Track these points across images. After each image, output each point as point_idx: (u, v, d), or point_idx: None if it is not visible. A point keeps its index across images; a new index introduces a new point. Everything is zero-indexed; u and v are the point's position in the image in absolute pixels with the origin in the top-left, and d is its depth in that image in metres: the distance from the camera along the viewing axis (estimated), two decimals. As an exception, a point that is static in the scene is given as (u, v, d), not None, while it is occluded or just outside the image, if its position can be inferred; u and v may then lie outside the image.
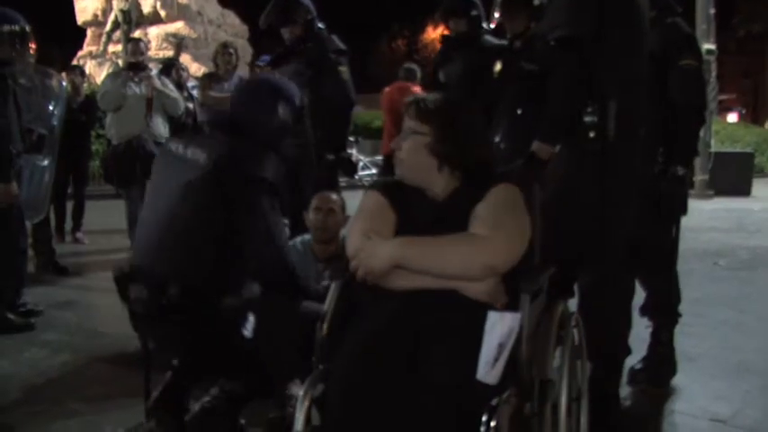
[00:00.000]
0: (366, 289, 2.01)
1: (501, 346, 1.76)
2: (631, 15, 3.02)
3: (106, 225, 8.00)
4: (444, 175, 2.16)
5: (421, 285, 1.95)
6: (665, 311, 3.52)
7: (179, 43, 11.75)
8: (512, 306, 1.93)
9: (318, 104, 4.36)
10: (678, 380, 3.41)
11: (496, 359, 1.75)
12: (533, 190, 2.36)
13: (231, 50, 6.66)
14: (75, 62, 18.09)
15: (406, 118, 2.19)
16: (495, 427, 1.65)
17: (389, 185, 2.26)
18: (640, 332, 3.55)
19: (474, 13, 4.49)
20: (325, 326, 2.01)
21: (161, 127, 6.34)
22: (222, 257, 2.55)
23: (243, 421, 2.85)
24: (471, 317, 1.86)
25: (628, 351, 3.20)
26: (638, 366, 3.46)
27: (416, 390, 1.75)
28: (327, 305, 2.05)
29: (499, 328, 1.79)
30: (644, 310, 3.60)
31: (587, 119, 2.88)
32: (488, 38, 4.47)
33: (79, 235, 7.74)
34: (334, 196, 3.54)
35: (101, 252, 7.16)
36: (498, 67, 3.83)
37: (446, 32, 4.77)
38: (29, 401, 3.27)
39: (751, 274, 5.58)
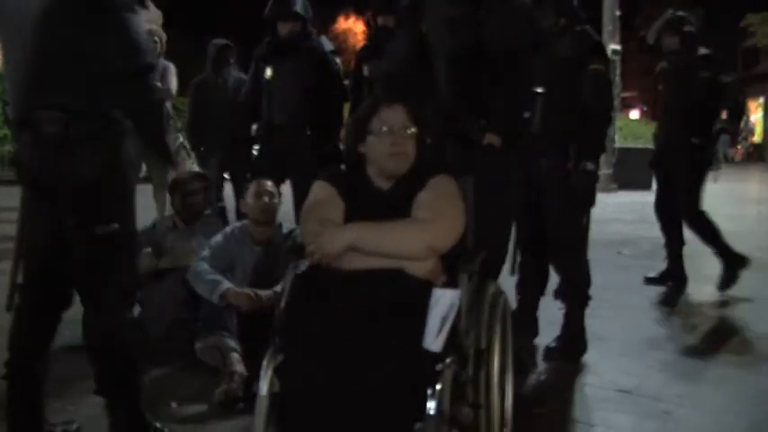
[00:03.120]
0: (322, 270, 2.18)
1: (444, 319, 1.99)
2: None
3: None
4: None
5: (372, 265, 2.15)
6: (576, 295, 3.81)
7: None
8: (451, 284, 2.16)
9: (316, 100, 4.53)
10: (589, 357, 3.72)
11: (440, 330, 1.97)
12: (466, 180, 2.59)
13: (156, 39, 6.64)
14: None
15: (396, 116, 2.38)
16: (440, 389, 1.88)
17: (337, 176, 2.47)
18: (554, 314, 3.86)
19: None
20: (282, 302, 2.17)
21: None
22: None
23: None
24: (416, 293, 2.07)
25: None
26: (553, 344, 3.75)
27: (371, 356, 1.95)
28: (284, 284, 2.21)
29: (442, 302, 2.01)
30: (557, 294, 3.90)
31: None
32: None
33: None
34: (270, 182, 3.70)
35: None
36: None
37: (367, 27, 4.97)
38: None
39: (652, 262, 5.98)
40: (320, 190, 2.42)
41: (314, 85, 4.56)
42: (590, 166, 3.66)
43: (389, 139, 2.36)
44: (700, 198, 5.35)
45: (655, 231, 6.71)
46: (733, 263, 5.38)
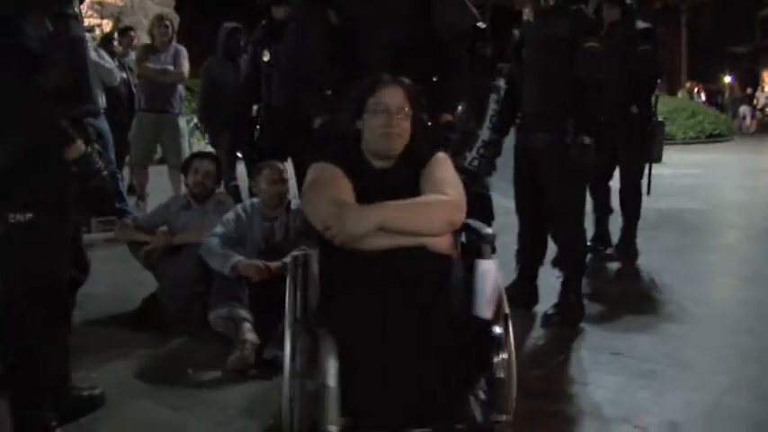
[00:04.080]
0: (344, 252, 2.19)
1: (495, 287, 2.12)
2: None
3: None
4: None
5: (397, 244, 2.20)
6: (573, 264, 3.97)
7: (117, 18, 11.70)
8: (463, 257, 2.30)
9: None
10: (585, 323, 3.88)
11: (492, 298, 2.11)
12: None
13: (167, 23, 6.81)
14: None
15: (393, 97, 2.43)
16: (507, 359, 2.06)
17: (337, 156, 2.48)
18: (553, 282, 4.01)
19: None
20: (316, 291, 2.16)
21: (98, 98, 6.46)
22: None
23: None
24: (445, 267, 2.19)
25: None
26: (551, 311, 3.91)
27: (431, 331, 2.04)
28: (311, 272, 2.19)
29: (489, 272, 2.14)
30: (555, 263, 4.06)
31: None
32: None
33: None
34: (281, 166, 3.86)
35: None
36: None
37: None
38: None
39: (655, 232, 6.12)
40: (324, 170, 2.43)
41: None
42: (586, 139, 3.78)
43: (384, 119, 2.41)
44: (642, 170, 5.41)
45: (660, 203, 6.88)
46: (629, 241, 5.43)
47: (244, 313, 3.41)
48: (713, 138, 19.70)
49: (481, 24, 3.19)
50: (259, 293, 3.43)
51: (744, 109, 26.80)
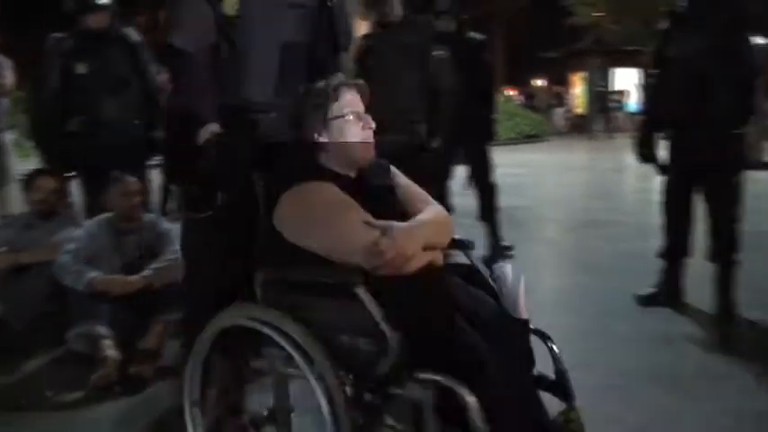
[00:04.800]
0: (389, 278, 1.94)
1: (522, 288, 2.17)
2: None
3: None
4: None
5: (424, 262, 2.03)
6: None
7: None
8: None
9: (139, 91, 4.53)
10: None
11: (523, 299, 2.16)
12: None
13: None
14: None
15: (356, 100, 2.24)
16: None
17: (327, 175, 2.19)
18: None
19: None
20: (390, 328, 1.86)
21: None
22: None
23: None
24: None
25: None
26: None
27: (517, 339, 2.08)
28: (372, 311, 1.88)
29: (514, 275, 2.16)
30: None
31: None
32: None
33: None
34: (134, 180, 3.79)
35: None
36: None
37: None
38: None
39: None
40: (327, 192, 2.10)
41: (131, 77, 4.53)
42: (436, 142, 4.02)
43: (360, 125, 2.20)
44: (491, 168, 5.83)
45: (512, 201, 7.32)
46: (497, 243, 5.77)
47: (103, 330, 3.35)
48: (530, 138, 21.04)
49: None
50: (118, 308, 3.39)
51: (557, 111, 28.75)
